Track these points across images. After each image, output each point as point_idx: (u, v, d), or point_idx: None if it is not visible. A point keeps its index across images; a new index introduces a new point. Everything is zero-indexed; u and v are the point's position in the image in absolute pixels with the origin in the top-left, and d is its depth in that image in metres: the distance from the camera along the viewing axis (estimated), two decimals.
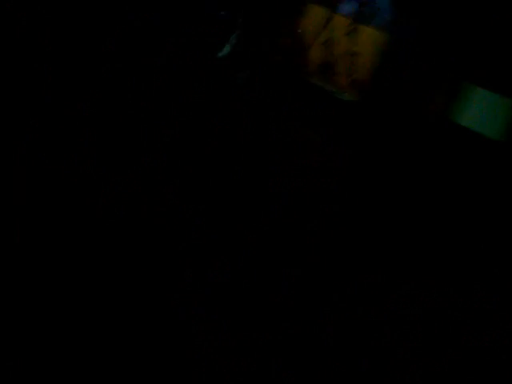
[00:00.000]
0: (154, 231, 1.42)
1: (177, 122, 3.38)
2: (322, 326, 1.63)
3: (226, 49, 5.67)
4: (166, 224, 1.47)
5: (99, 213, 1.65)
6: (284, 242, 2.17)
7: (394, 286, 2.30)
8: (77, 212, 1.64)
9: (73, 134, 2.38)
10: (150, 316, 1.05)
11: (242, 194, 1.57)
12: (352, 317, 1.81)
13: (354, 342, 1.68)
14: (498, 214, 4.19)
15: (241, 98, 5.12)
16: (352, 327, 1.76)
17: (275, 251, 2.09)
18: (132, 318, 1.02)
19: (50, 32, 4.03)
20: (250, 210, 1.59)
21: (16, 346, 0.92)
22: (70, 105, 2.71)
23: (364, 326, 1.81)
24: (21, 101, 2.46)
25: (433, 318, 2.16)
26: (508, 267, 3.23)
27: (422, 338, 1.93)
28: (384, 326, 1.87)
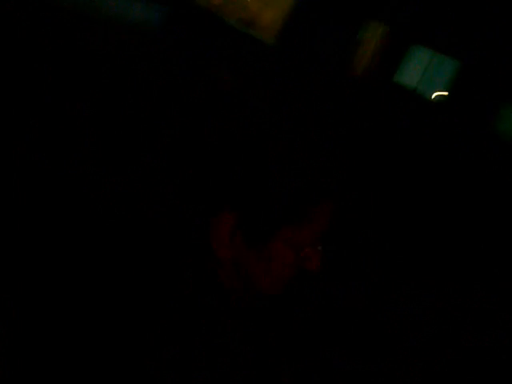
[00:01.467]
0: (154, 231, 1.42)
1: (177, 122, 3.38)
2: (323, 325, 1.63)
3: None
4: (165, 224, 1.47)
5: (99, 212, 1.65)
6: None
7: (394, 286, 2.30)
8: (77, 211, 1.64)
9: (73, 133, 2.38)
10: (149, 316, 1.05)
11: (242, 193, 1.56)
12: (352, 316, 1.81)
13: (355, 341, 1.68)
14: (497, 216, 4.18)
15: (240, 98, 5.12)
16: (352, 327, 1.76)
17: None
18: (131, 318, 1.02)
19: (49, 32, 4.02)
20: (250, 210, 1.58)
21: (15, 344, 0.93)
22: (70, 105, 2.71)
23: (364, 326, 1.81)
24: (21, 101, 2.46)
25: (433, 317, 2.16)
26: (508, 267, 3.22)
27: (422, 337, 1.93)
28: (384, 325, 1.87)
